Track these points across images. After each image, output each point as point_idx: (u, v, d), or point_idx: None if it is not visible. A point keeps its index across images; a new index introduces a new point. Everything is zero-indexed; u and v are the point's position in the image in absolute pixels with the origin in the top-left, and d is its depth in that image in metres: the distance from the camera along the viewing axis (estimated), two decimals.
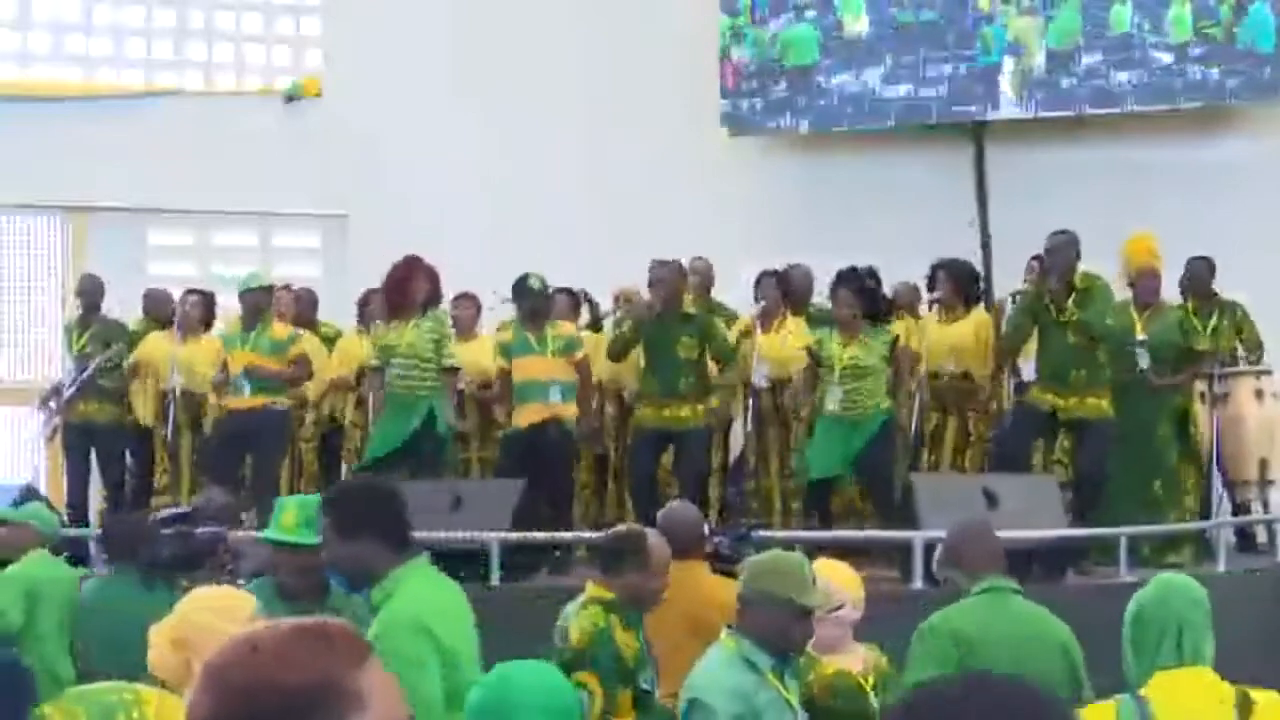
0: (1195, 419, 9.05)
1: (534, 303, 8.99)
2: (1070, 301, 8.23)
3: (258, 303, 9.33)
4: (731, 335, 9.51)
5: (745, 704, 4.08)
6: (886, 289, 8.87)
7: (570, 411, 9.07)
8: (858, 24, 12.13)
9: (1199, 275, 9.37)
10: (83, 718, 2.90)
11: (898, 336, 8.62)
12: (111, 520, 6.10)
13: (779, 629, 4.17)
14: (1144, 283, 8.84)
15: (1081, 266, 8.37)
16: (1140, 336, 8.73)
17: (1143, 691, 3.56)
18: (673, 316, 8.89)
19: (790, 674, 4.27)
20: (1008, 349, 8.94)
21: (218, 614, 3.21)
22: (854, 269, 8.53)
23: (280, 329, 9.47)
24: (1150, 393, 8.79)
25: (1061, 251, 8.27)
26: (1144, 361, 8.70)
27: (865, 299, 8.43)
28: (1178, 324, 8.88)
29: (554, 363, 8.96)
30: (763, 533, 7.46)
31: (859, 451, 8.41)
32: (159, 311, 10.30)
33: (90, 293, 10.21)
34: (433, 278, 8.90)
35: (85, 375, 9.80)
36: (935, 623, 4.67)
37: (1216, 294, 9.38)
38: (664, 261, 9.04)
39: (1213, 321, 9.26)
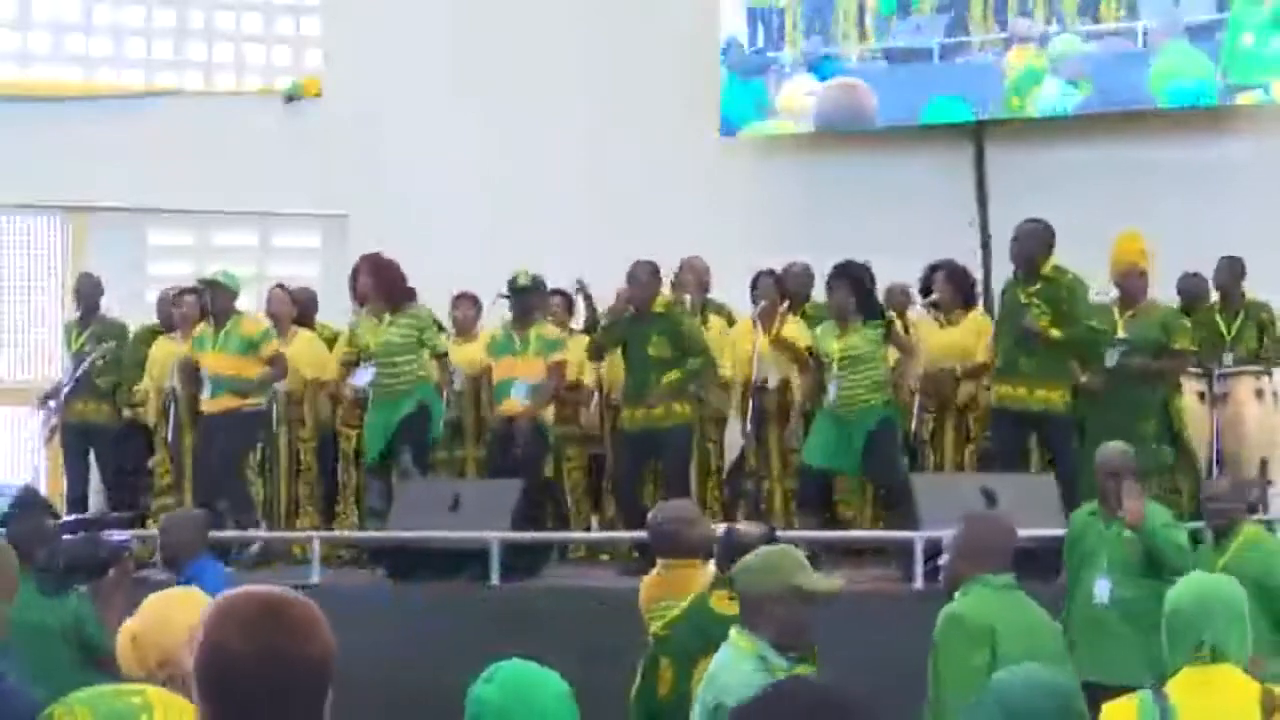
0: (1180, 416, 8.98)
1: (520, 299, 9.12)
2: (1034, 290, 8.42)
3: (222, 302, 9.15)
4: (732, 335, 9.52)
5: None
6: (880, 289, 8.90)
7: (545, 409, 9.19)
8: (857, 24, 12.11)
9: (1227, 274, 9.43)
10: None
11: (892, 320, 8.59)
12: (12, 522, 5.97)
13: (792, 622, 4.15)
14: (1128, 282, 8.80)
15: (1073, 263, 8.51)
16: (1121, 335, 8.69)
17: (1166, 688, 3.62)
18: (644, 316, 8.88)
19: None
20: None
21: (173, 608, 3.30)
22: (849, 262, 8.58)
23: (252, 325, 9.25)
24: (1127, 390, 8.69)
25: (1026, 240, 8.53)
26: (1110, 361, 8.62)
27: (860, 291, 8.46)
28: (1160, 324, 8.79)
29: (531, 363, 9.06)
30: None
31: (861, 450, 8.42)
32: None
33: (88, 293, 10.17)
34: (379, 272, 8.94)
35: (79, 374, 9.78)
36: (964, 613, 4.64)
37: (1244, 294, 9.40)
38: (643, 261, 9.05)
39: (1237, 322, 9.29)
